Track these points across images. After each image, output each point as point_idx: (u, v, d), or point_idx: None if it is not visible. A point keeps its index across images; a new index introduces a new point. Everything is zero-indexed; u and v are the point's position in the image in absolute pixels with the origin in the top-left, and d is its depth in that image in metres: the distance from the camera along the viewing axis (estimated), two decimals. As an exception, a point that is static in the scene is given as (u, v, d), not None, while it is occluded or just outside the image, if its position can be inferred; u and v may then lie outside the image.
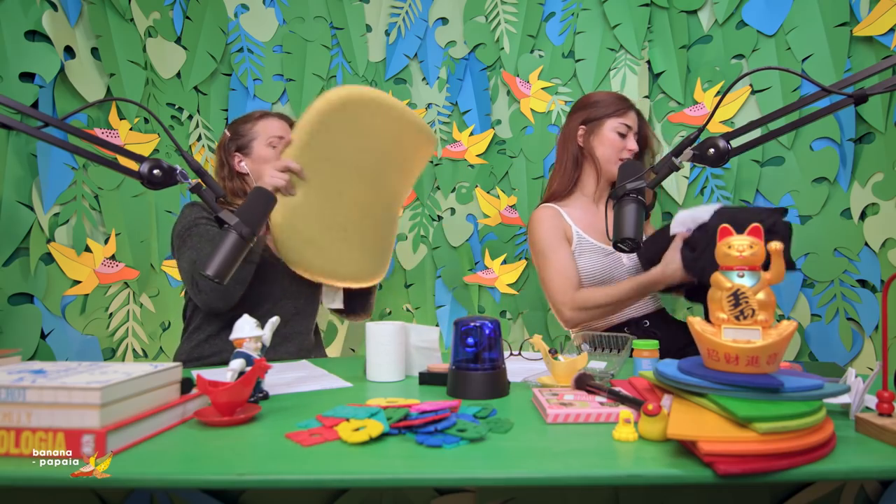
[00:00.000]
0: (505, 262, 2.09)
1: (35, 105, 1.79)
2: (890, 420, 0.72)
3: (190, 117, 2.06)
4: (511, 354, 1.33)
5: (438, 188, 2.16)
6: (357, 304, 1.65)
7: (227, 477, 0.63)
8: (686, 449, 0.67)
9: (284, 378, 1.13)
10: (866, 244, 1.84)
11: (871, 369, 1.75)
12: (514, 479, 0.64)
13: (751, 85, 1.96)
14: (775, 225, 1.30)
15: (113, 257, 1.92)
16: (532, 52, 2.12)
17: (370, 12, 2.17)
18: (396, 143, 1.53)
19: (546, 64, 2.10)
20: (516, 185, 2.11)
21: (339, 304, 1.59)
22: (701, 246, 1.36)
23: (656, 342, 1.07)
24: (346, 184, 1.47)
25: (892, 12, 1.75)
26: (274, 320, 0.98)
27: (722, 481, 0.62)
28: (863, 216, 1.85)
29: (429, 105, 2.17)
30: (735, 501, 0.85)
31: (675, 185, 1.98)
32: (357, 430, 0.73)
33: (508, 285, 2.09)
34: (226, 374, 0.87)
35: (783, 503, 0.83)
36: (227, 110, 2.12)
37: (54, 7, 1.81)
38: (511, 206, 2.11)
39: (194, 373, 0.92)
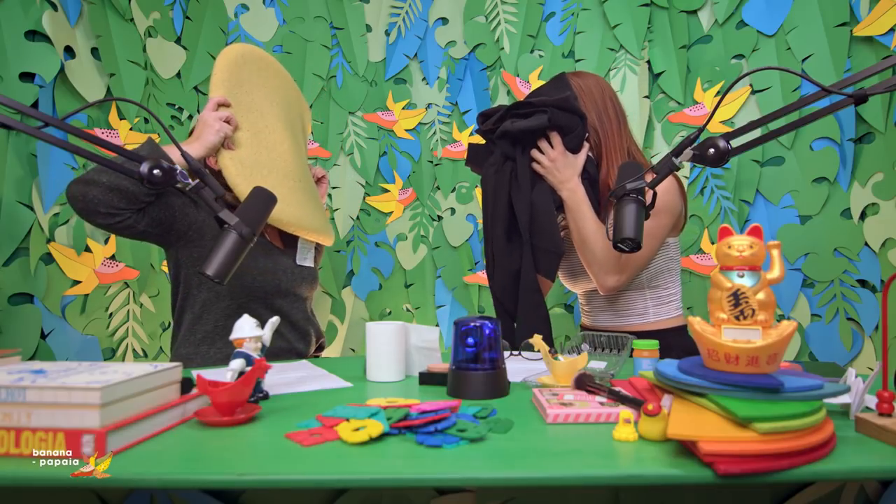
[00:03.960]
0: (505, 262, 2.09)
1: (35, 105, 1.80)
2: (890, 420, 0.72)
3: (190, 117, 2.06)
4: (511, 354, 1.33)
5: (438, 188, 2.16)
6: None
7: (227, 477, 0.63)
8: (686, 449, 0.67)
9: (284, 378, 1.13)
10: (866, 244, 1.84)
11: (871, 369, 1.75)
12: (514, 479, 0.64)
13: (751, 85, 1.96)
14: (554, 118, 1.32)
15: (113, 257, 1.92)
16: (532, 52, 2.12)
17: (370, 12, 2.17)
18: (290, 97, 1.59)
19: (546, 64, 2.10)
20: (516, 185, 2.11)
21: (311, 262, 1.58)
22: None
23: (656, 342, 1.07)
24: (278, 133, 1.49)
25: (892, 12, 1.76)
26: (274, 320, 0.98)
27: (722, 481, 0.62)
28: (863, 216, 1.85)
29: (429, 105, 2.17)
30: (735, 501, 0.85)
31: (675, 185, 1.98)
32: (357, 430, 0.73)
33: (508, 285, 2.08)
34: (226, 374, 0.87)
35: (783, 503, 0.83)
36: (227, 110, 2.12)
37: (54, 7, 1.81)
38: (511, 206, 2.11)
39: (194, 373, 0.92)
